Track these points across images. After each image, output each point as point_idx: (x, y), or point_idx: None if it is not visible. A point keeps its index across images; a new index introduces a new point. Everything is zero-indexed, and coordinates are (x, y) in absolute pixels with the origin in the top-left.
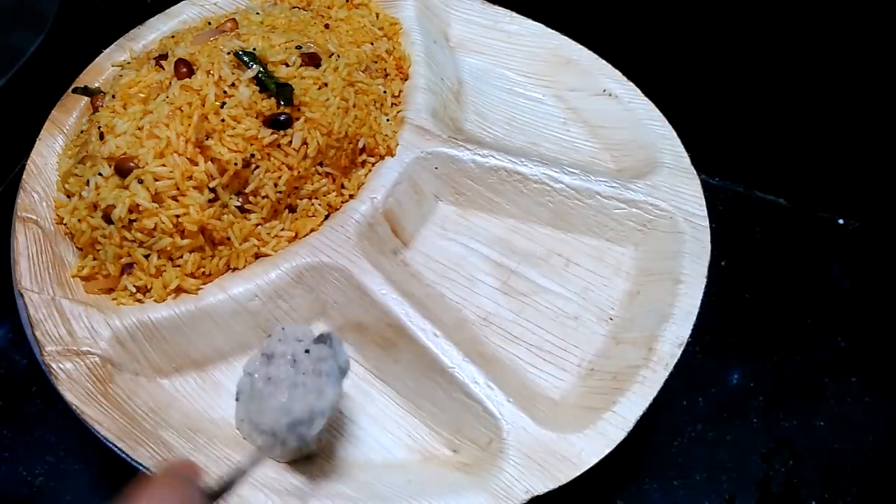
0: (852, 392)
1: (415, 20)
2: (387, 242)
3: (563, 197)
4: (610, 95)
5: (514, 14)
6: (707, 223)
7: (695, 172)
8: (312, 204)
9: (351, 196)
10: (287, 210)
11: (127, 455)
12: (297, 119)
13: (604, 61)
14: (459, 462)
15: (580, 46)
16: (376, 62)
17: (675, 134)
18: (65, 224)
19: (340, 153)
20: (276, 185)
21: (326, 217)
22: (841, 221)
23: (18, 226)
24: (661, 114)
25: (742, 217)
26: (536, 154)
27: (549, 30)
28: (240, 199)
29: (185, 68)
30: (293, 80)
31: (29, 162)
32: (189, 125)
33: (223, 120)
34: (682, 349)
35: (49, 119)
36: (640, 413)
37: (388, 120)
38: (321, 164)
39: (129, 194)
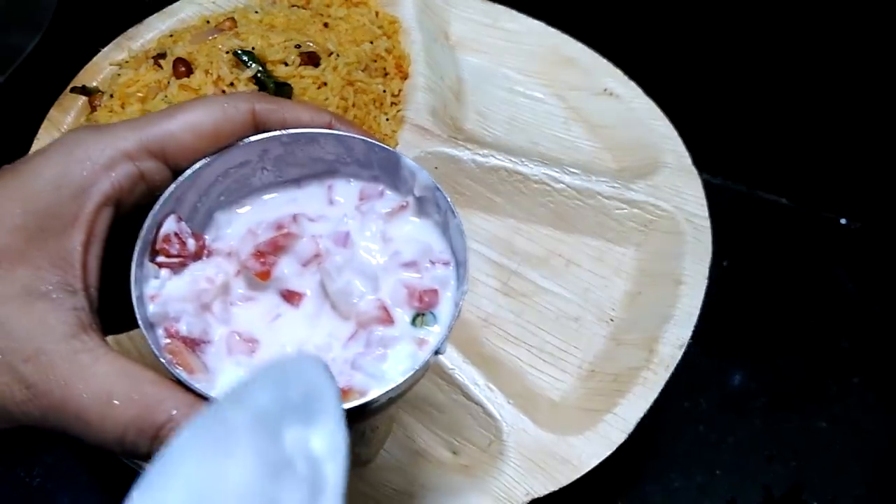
0: (855, 393)
1: (414, 18)
2: None
3: (564, 197)
4: (611, 95)
5: (515, 12)
6: (708, 224)
7: (696, 173)
8: None
9: None
10: None
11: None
12: None
13: (605, 60)
14: (459, 464)
15: (581, 45)
16: (376, 61)
17: (676, 134)
18: None
19: None
20: None
21: None
22: (844, 222)
23: None
24: (662, 113)
25: (744, 217)
26: (537, 154)
27: (550, 28)
28: None
29: (183, 67)
30: (292, 79)
31: None
32: None
33: None
34: (683, 350)
35: (47, 118)
36: (641, 415)
37: (387, 119)
38: None
39: None
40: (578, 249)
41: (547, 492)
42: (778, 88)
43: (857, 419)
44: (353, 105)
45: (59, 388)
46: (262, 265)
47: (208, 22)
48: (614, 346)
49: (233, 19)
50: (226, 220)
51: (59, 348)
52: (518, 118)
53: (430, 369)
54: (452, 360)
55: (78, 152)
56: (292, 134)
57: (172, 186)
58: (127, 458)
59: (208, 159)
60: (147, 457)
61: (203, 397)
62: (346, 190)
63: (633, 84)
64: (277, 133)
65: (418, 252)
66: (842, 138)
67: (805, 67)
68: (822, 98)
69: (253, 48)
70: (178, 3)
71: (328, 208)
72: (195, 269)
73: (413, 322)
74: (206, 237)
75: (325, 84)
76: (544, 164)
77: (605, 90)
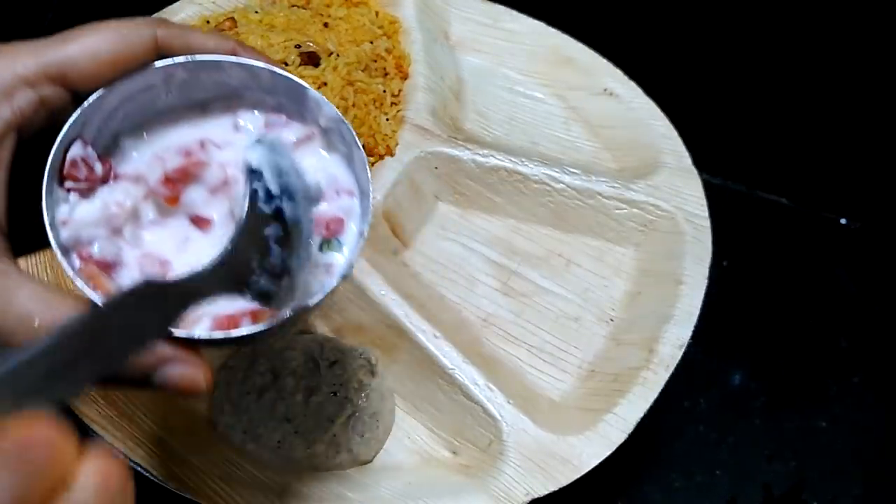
0: (854, 393)
1: (415, 18)
2: (387, 243)
3: (564, 197)
4: (611, 95)
5: (515, 12)
6: (708, 224)
7: (696, 173)
8: None
9: None
10: None
11: (125, 456)
12: None
13: (605, 60)
14: (459, 464)
15: (581, 45)
16: (376, 61)
17: (676, 134)
18: None
19: None
20: None
21: None
22: (844, 222)
23: None
24: (662, 113)
25: (744, 217)
26: (537, 154)
27: (550, 28)
28: None
29: None
30: None
31: None
32: None
33: None
34: (682, 350)
35: None
36: (641, 415)
37: (387, 119)
38: None
39: None
40: (578, 249)
41: (547, 492)
42: (778, 88)
43: (856, 419)
44: (354, 105)
45: None
46: (170, 191)
47: (208, 22)
48: (614, 345)
49: (233, 19)
50: (132, 145)
51: None
52: (518, 118)
53: (432, 370)
54: (452, 359)
55: None
56: (197, 60)
57: (77, 112)
58: None
59: (113, 84)
60: None
61: None
62: (252, 118)
63: (632, 84)
64: (182, 59)
65: (324, 182)
66: (842, 138)
67: (805, 67)
68: (821, 98)
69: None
70: (178, 3)
71: (234, 135)
72: (104, 194)
73: (320, 248)
74: (113, 162)
75: (326, 84)
76: (544, 164)
77: (605, 90)
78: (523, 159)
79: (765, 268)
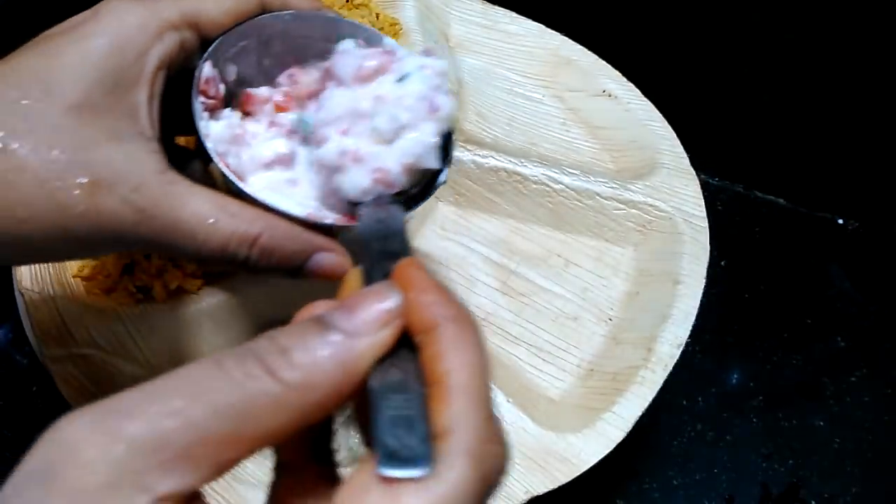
0: (852, 392)
1: (415, 20)
2: None
3: (563, 198)
4: (609, 96)
5: (514, 14)
6: (706, 224)
7: (694, 173)
8: None
9: None
10: None
11: None
12: None
13: (603, 62)
14: None
15: (580, 47)
16: None
17: (674, 135)
18: None
19: None
20: None
21: None
22: (840, 221)
23: None
24: (660, 114)
25: (742, 217)
26: (536, 155)
27: (549, 30)
28: None
29: None
30: None
31: None
32: None
33: None
34: (681, 349)
35: None
36: (640, 413)
37: None
38: None
39: None
40: (577, 249)
41: (546, 490)
42: (775, 89)
43: (854, 417)
44: None
45: (167, 211)
46: (284, 101)
47: None
48: (613, 345)
49: None
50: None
51: (157, 180)
52: (517, 119)
53: None
54: None
55: (129, 19)
56: (293, 13)
57: (209, 50)
58: (222, 264)
59: (231, 30)
60: (245, 262)
61: (278, 212)
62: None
63: (631, 85)
64: (281, 13)
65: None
66: (839, 138)
67: (802, 68)
68: (819, 98)
69: None
70: None
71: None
72: (228, 115)
73: None
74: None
75: None
76: (543, 164)
77: (604, 91)
78: (523, 160)
79: (762, 267)
